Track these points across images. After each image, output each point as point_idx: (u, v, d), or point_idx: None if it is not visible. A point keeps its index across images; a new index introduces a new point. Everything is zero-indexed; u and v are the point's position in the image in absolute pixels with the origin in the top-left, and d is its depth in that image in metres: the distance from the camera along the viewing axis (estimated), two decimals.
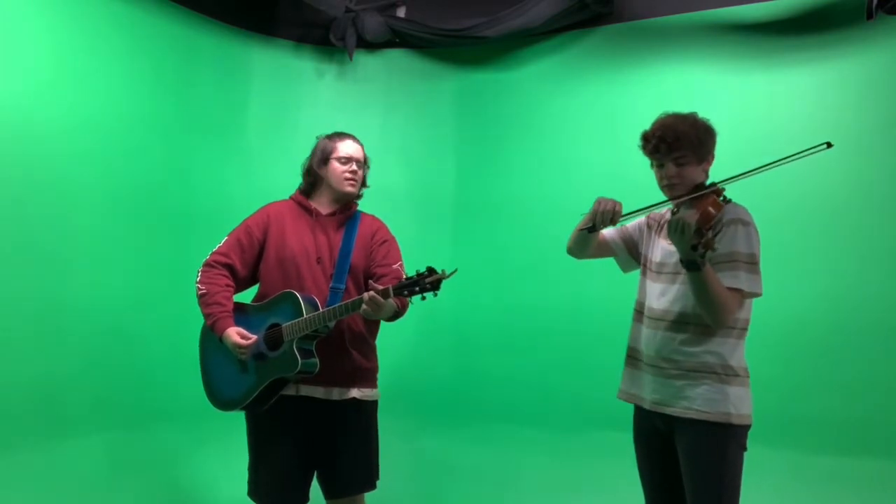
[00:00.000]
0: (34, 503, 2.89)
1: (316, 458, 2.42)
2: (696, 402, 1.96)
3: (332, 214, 2.49)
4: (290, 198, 2.57)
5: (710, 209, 1.90)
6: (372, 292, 2.12)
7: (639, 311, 2.16)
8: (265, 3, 4.29)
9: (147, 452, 3.44)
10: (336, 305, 2.23)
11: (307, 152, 4.23)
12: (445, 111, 4.32)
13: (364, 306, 2.14)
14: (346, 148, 2.47)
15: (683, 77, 3.73)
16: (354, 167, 2.46)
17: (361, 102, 4.34)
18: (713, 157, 2.08)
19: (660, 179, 2.08)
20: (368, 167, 2.59)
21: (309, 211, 2.49)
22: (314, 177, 2.52)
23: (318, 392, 2.38)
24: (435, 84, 4.33)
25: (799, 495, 3.18)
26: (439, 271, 2.09)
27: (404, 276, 2.34)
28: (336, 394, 2.38)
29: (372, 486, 2.46)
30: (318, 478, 2.46)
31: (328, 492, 2.44)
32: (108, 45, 3.45)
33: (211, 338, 2.43)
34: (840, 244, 3.35)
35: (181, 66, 3.83)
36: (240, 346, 2.29)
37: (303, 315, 2.24)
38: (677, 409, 1.99)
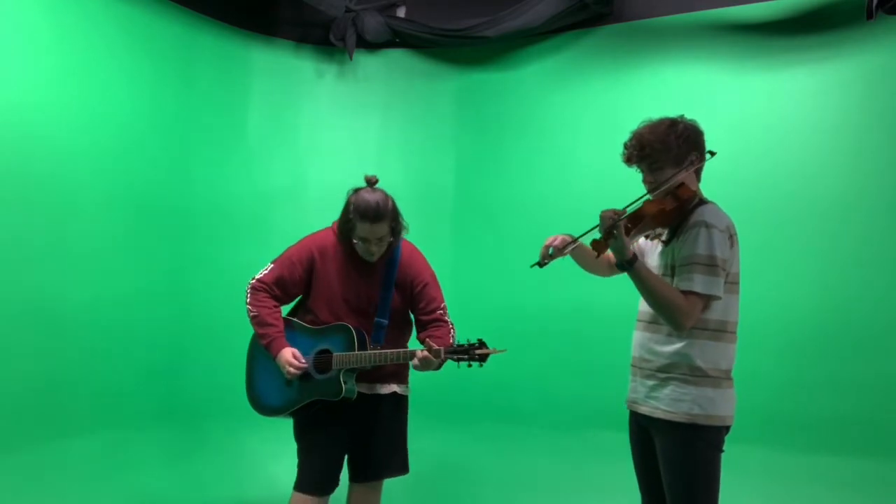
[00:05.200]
0: (34, 503, 2.89)
1: (354, 445, 2.57)
2: (663, 402, 2.00)
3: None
4: (334, 233, 2.54)
5: (643, 210, 2.00)
6: (425, 353, 2.31)
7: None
8: (265, 3, 4.29)
9: (147, 452, 3.44)
10: (389, 352, 2.41)
11: (307, 152, 4.29)
12: (445, 111, 4.32)
13: (413, 363, 2.35)
14: (362, 232, 2.40)
15: (683, 77, 3.73)
16: (373, 248, 2.44)
17: (361, 102, 4.34)
18: (698, 157, 2.06)
19: (644, 184, 2.11)
20: (400, 223, 2.49)
21: (353, 250, 2.51)
22: (341, 231, 2.51)
23: (362, 388, 2.54)
24: (435, 84, 4.34)
25: (802, 495, 3.19)
26: (490, 347, 2.32)
27: (447, 317, 2.56)
28: (378, 388, 2.57)
29: (407, 470, 2.63)
30: (354, 462, 2.59)
31: (364, 475, 2.58)
32: (109, 45, 3.45)
33: (260, 347, 2.55)
34: (838, 244, 3.35)
35: (182, 66, 3.84)
36: (292, 367, 2.42)
37: (355, 349, 2.41)
38: (647, 409, 2.05)
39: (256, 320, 2.49)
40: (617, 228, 1.90)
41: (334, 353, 2.44)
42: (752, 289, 3.32)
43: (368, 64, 4.37)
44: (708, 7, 3.71)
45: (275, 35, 4.29)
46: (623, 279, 2.42)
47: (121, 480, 3.24)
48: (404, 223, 2.50)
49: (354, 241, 2.44)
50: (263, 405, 2.58)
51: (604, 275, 2.38)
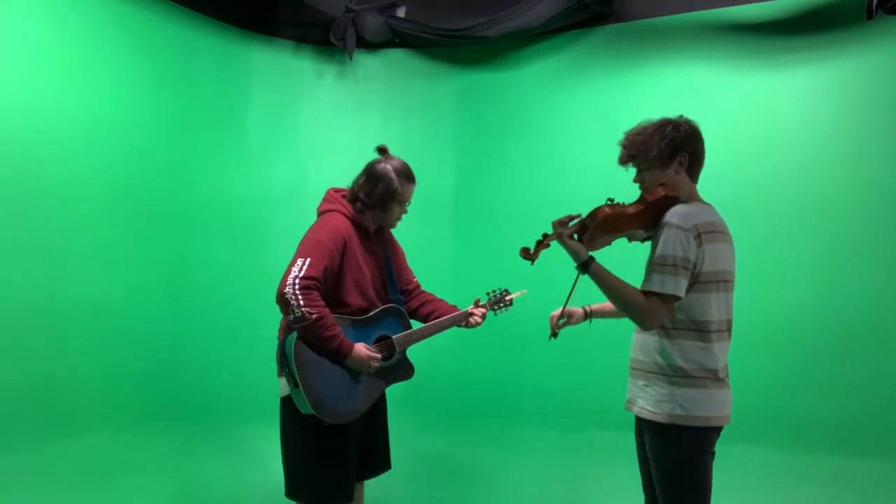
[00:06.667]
0: (34, 503, 2.89)
1: (360, 444, 2.52)
2: (648, 402, 2.02)
3: (377, 231, 2.59)
4: (348, 217, 2.47)
5: (596, 213, 2.05)
6: (482, 310, 2.60)
7: None
8: (265, 3, 4.29)
9: (147, 452, 3.44)
10: (445, 319, 2.57)
11: (307, 152, 4.29)
12: (445, 111, 4.32)
13: (474, 319, 2.59)
14: (407, 195, 2.51)
15: (683, 77, 3.73)
16: (406, 211, 2.57)
17: (361, 102, 4.34)
18: (687, 159, 2.05)
19: (636, 183, 2.14)
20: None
21: (366, 232, 2.52)
22: (374, 204, 2.47)
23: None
24: (435, 84, 4.34)
25: (802, 495, 3.19)
26: (513, 293, 2.71)
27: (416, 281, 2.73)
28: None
29: (390, 466, 2.65)
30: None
31: (361, 473, 2.53)
32: (110, 45, 3.45)
33: (310, 355, 2.29)
34: (838, 244, 3.35)
35: (182, 66, 3.84)
36: (374, 360, 2.38)
37: (410, 327, 2.49)
38: (637, 409, 2.07)
39: (321, 323, 2.23)
40: (554, 237, 2.05)
41: (395, 336, 2.45)
42: (752, 288, 3.34)
43: (368, 64, 4.38)
44: (708, 7, 3.71)
45: (275, 35, 4.29)
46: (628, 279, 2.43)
47: (121, 480, 3.24)
48: None
49: (398, 206, 2.48)
50: (342, 412, 2.32)
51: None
